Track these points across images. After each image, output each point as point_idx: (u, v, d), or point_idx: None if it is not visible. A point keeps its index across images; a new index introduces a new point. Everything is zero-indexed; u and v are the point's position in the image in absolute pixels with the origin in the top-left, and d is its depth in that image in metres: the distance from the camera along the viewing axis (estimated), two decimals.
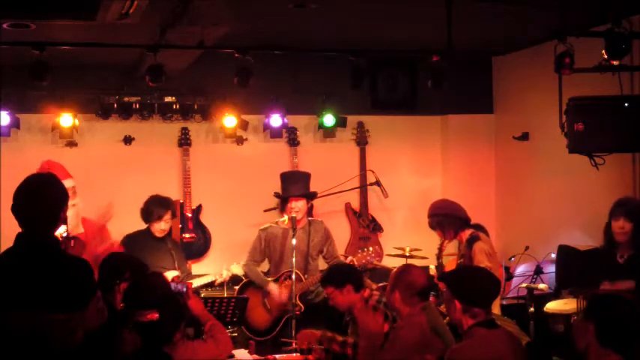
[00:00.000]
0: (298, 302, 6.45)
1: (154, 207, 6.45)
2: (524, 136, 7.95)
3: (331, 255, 6.85)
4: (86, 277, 3.71)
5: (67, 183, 5.96)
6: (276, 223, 6.81)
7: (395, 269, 4.90)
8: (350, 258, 6.74)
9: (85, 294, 3.67)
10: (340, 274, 5.36)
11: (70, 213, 5.98)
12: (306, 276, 6.63)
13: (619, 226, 5.65)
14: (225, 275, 6.75)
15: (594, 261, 5.94)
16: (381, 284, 6.82)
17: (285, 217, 6.66)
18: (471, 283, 4.05)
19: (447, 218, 6.05)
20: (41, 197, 3.68)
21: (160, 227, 6.45)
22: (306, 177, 6.88)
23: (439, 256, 6.19)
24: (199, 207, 7.93)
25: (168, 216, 6.47)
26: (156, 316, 4.19)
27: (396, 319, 4.86)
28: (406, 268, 4.83)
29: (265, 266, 6.94)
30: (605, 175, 6.27)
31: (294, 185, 6.72)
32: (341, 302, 5.26)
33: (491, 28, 6.99)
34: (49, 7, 5.41)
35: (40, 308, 3.53)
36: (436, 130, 8.66)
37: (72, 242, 3.79)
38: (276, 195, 6.90)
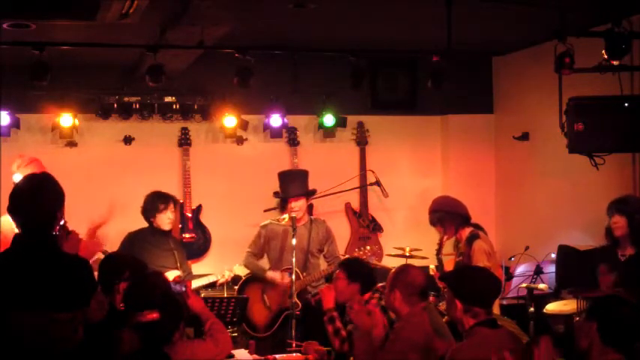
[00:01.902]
0: (296, 300, 6.44)
1: (156, 200, 6.48)
2: (524, 136, 7.94)
3: (332, 254, 6.85)
4: (87, 275, 3.71)
5: None
6: (277, 220, 6.82)
7: (393, 269, 4.90)
8: (347, 257, 6.75)
9: (86, 292, 3.68)
10: (359, 271, 5.34)
11: None
12: (304, 274, 6.63)
13: (614, 221, 5.67)
14: (227, 275, 6.76)
15: (594, 261, 5.94)
16: (380, 284, 6.83)
17: (286, 216, 6.67)
18: (472, 283, 4.05)
19: (448, 215, 6.05)
20: (38, 197, 3.68)
21: (168, 217, 6.46)
22: (303, 175, 6.88)
23: (439, 252, 6.19)
24: (199, 207, 7.93)
25: (171, 206, 6.50)
26: (156, 316, 4.18)
27: (392, 321, 4.86)
28: (405, 268, 4.82)
29: (265, 263, 6.94)
30: (605, 175, 6.27)
31: (292, 185, 6.72)
32: (341, 291, 5.25)
33: (491, 28, 6.99)
34: (49, 7, 5.41)
35: (43, 308, 3.54)
36: (436, 130, 8.66)
37: (66, 236, 3.78)
38: (276, 195, 6.90)
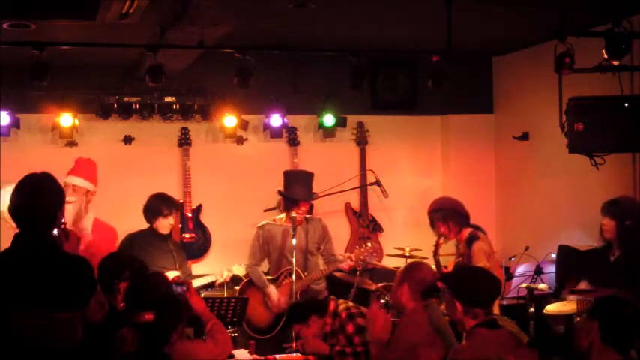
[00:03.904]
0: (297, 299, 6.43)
1: (161, 204, 6.50)
2: (524, 136, 7.94)
3: (328, 253, 6.83)
4: (87, 274, 3.72)
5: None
6: (274, 220, 6.81)
7: (405, 264, 4.98)
8: (347, 254, 6.75)
9: (86, 291, 3.68)
10: (302, 309, 5.39)
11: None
12: (305, 273, 6.62)
13: (603, 224, 5.70)
14: (226, 275, 6.75)
15: (593, 261, 5.96)
16: (381, 284, 6.83)
17: (283, 215, 6.66)
18: (471, 284, 4.06)
19: (452, 213, 6.03)
20: (38, 197, 3.68)
21: (169, 223, 6.49)
22: (310, 178, 6.84)
23: (436, 253, 6.19)
24: (199, 207, 7.93)
25: (174, 213, 6.52)
26: (151, 316, 4.20)
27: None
28: (417, 264, 4.87)
29: (265, 264, 6.94)
30: (605, 175, 6.27)
31: (303, 188, 6.66)
32: (314, 334, 5.25)
33: (491, 28, 6.99)
34: (49, 7, 5.41)
35: (43, 308, 3.54)
36: (436, 130, 8.66)
37: (66, 236, 3.78)
38: (280, 193, 6.83)
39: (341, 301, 5.48)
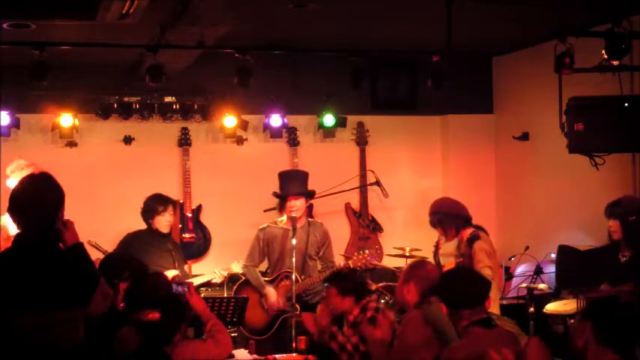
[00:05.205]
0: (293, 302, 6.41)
1: (154, 202, 6.52)
2: (524, 136, 7.94)
3: (326, 259, 6.78)
4: (88, 273, 3.71)
5: None
6: (275, 222, 6.80)
7: (410, 263, 5.02)
8: (345, 263, 6.70)
9: (88, 290, 3.68)
10: (349, 285, 5.30)
11: None
12: (302, 277, 6.60)
13: (609, 225, 5.72)
14: (221, 275, 6.76)
15: (594, 261, 5.95)
16: (381, 284, 6.83)
17: (284, 217, 6.65)
18: (453, 288, 4.08)
19: (447, 217, 6.05)
20: (38, 198, 3.68)
21: (166, 220, 6.51)
22: (304, 176, 6.87)
23: (435, 254, 6.19)
24: (199, 207, 7.93)
25: (170, 209, 6.54)
26: (157, 315, 4.19)
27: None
28: (422, 263, 4.93)
29: (264, 265, 6.93)
30: (605, 175, 6.27)
31: (292, 184, 6.71)
32: (336, 306, 5.25)
33: (491, 28, 6.99)
34: (49, 7, 5.41)
35: (45, 307, 3.54)
36: (436, 130, 8.66)
37: (65, 226, 3.77)
38: (275, 194, 6.88)
39: (374, 297, 5.43)
